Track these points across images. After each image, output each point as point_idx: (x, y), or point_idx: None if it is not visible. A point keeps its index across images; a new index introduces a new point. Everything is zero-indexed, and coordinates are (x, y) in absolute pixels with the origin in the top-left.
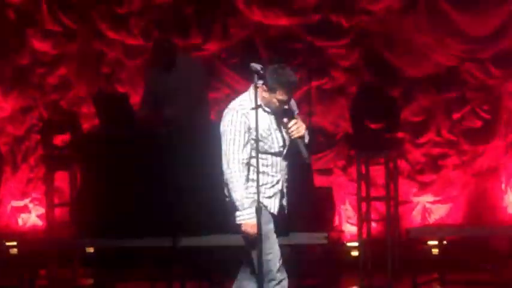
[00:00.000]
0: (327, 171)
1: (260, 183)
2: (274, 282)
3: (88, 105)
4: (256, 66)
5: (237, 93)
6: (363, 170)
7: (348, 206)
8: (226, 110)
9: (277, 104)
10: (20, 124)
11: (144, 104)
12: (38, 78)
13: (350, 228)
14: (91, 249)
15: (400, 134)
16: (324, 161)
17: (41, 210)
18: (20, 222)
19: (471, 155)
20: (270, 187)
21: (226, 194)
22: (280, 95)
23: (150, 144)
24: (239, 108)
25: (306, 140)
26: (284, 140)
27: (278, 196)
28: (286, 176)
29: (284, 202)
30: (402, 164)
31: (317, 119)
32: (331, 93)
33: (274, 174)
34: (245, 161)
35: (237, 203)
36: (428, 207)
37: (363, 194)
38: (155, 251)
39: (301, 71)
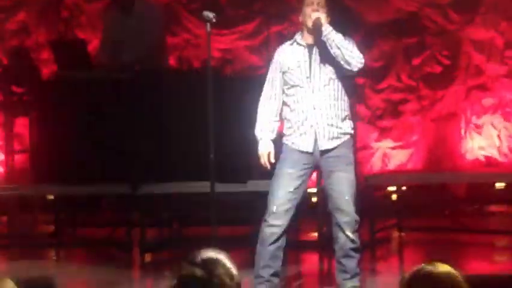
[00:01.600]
0: None
1: (292, 121)
2: (265, 223)
3: (47, 51)
4: (209, 14)
5: (197, 38)
6: None
7: None
8: None
9: (310, 12)
10: None
11: (102, 49)
12: None
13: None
14: (51, 196)
15: (359, 80)
16: None
17: (1, 157)
18: None
19: (431, 100)
20: (301, 125)
21: None
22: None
23: (109, 90)
24: (279, 48)
25: (329, 30)
26: (314, 72)
27: (312, 134)
28: (327, 114)
29: (326, 143)
30: (362, 109)
31: None
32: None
33: (304, 110)
34: (271, 96)
35: (256, 135)
36: (388, 153)
37: None
38: (115, 197)
39: (261, 16)
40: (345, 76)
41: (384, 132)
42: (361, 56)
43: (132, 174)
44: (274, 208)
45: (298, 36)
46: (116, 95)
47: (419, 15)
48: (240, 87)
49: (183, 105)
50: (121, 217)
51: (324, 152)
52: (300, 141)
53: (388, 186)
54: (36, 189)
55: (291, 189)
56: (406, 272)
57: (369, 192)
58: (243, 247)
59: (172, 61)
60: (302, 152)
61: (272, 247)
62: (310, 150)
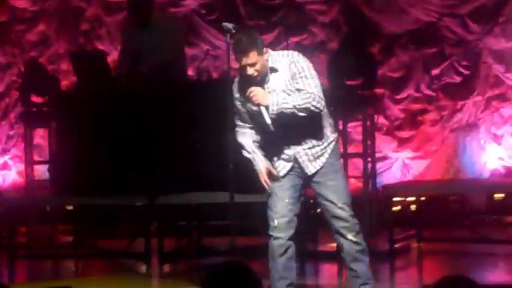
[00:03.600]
0: None
1: (269, 152)
2: (271, 238)
3: (67, 62)
4: (228, 25)
5: (216, 49)
6: (341, 127)
7: None
8: None
9: (248, 75)
10: (0, 81)
11: (121, 61)
12: (17, 35)
13: None
14: (70, 207)
15: (378, 90)
16: None
17: (21, 167)
18: (0, 179)
19: (450, 110)
20: (281, 154)
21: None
22: (238, 63)
23: (127, 101)
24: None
25: (275, 109)
26: (267, 111)
27: (295, 161)
28: (302, 141)
29: (311, 165)
30: (381, 119)
31: None
32: (311, 50)
33: (279, 146)
34: (246, 126)
35: (247, 157)
36: (408, 163)
37: (341, 150)
38: (134, 208)
39: (280, 27)
40: None
41: (403, 143)
42: (314, 101)
43: (150, 185)
44: (276, 222)
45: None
46: (135, 107)
47: (438, 26)
48: None
49: (202, 115)
50: (139, 228)
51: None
52: (282, 167)
53: (407, 196)
54: (55, 200)
55: (287, 200)
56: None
57: (388, 203)
58: (262, 257)
59: (191, 72)
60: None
61: (283, 258)
62: (283, 174)
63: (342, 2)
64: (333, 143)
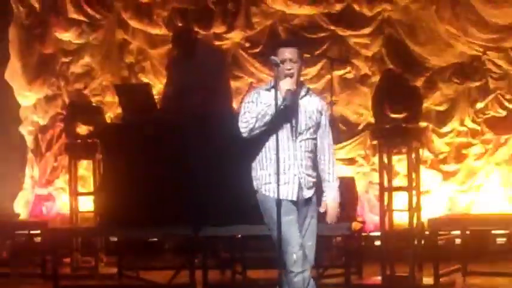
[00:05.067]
0: (350, 161)
1: (273, 171)
2: (292, 274)
3: (111, 94)
4: (276, 58)
5: (259, 82)
6: (386, 160)
7: (370, 196)
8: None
9: (284, 69)
10: (44, 113)
11: (166, 93)
12: (62, 67)
13: (373, 218)
14: (114, 238)
15: (422, 124)
16: (346, 150)
17: (65, 199)
18: (44, 210)
19: (495, 144)
20: (283, 174)
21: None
22: (279, 56)
23: (172, 133)
24: (253, 90)
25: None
26: (294, 122)
27: (295, 183)
28: (305, 165)
29: (306, 192)
30: (426, 153)
31: (339, 109)
32: (354, 83)
33: (286, 159)
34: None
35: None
36: (452, 197)
37: (386, 183)
38: (178, 240)
39: (324, 60)
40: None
41: (447, 176)
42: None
43: (194, 217)
44: (295, 256)
45: (274, 83)
46: (180, 139)
47: (482, 59)
48: None
49: (246, 148)
50: (183, 260)
51: (307, 200)
52: (284, 190)
53: (451, 230)
54: (99, 231)
55: (298, 234)
56: None
57: (433, 237)
58: None
59: (236, 105)
60: (287, 200)
61: None
62: (295, 198)
63: (386, 35)
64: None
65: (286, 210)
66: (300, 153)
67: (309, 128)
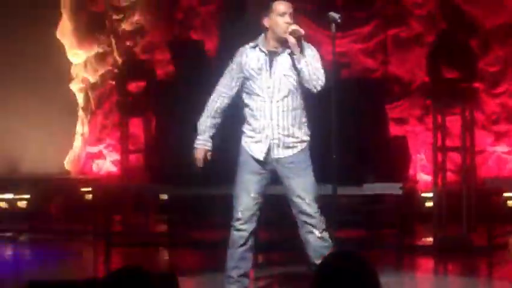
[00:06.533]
0: (403, 120)
1: (253, 126)
2: (233, 228)
3: (162, 52)
4: (335, 15)
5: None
6: (439, 120)
7: (423, 156)
8: None
9: (283, 23)
10: (95, 71)
11: None
12: (113, 24)
13: (425, 178)
14: (165, 196)
15: (476, 84)
16: (399, 110)
17: (116, 157)
18: (95, 168)
19: None
20: (257, 133)
21: None
22: (278, 10)
23: None
24: (241, 49)
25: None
26: (274, 82)
27: (266, 144)
28: (283, 125)
29: (283, 151)
30: (477, 114)
31: (393, 68)
32: (408, 42)
33: (261, 119)
34: (225, 94)
35: (198, 127)
36: (504, 157)
37: (439, 143)
38: (229, 198)
39: (378, 19)
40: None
41: (499, 137)
42: (323, 78)
43: None
44: (240, 214)
45: (260, 42)
46: None
47: None
48: (357, 90)
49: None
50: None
51: (279, 160)
52: (254, 148)
53: (504, 191)
54: (150, 189)
55: (253, 195)
56: None
57: (486, 198)
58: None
59: None
60: (255, 159)
61: (240, 249)
62: (261, 158)
63: None
64: (305, 144)
65: (249, 168)
66: (277, 114)
67: (287, 88)
